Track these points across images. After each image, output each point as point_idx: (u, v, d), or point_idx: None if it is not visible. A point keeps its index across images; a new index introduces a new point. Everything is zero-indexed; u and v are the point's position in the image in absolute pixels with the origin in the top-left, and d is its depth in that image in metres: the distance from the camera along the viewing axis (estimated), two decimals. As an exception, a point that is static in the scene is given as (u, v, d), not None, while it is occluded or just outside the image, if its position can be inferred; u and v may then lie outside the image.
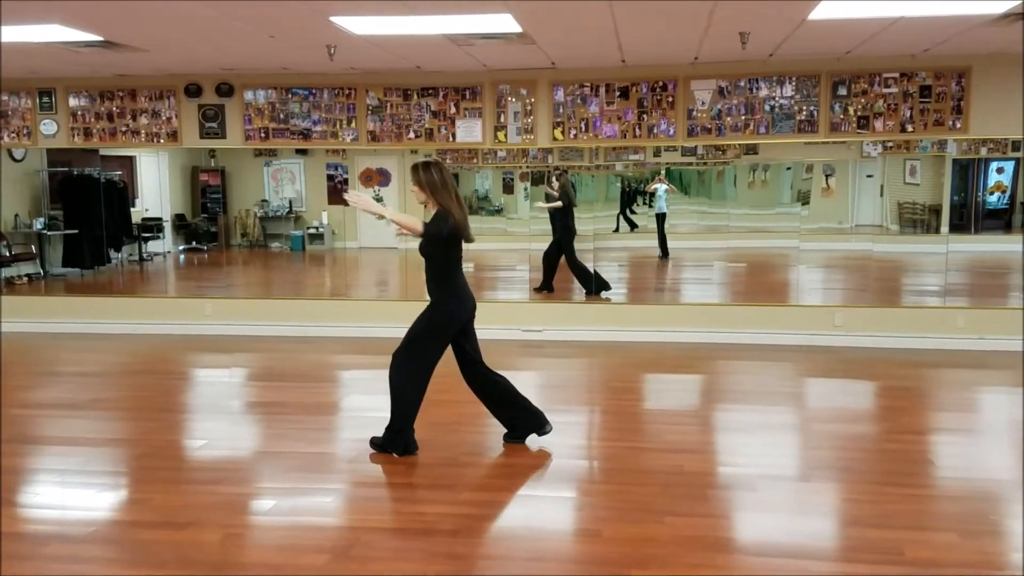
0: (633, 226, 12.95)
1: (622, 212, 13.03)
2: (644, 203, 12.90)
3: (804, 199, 11.46)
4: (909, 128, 7.03)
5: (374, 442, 4.64)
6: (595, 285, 8.81)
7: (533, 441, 4.74)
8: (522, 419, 4.73)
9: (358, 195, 4.36)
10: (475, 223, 13.18)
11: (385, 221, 4.34)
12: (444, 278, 4.47)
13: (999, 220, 11.73)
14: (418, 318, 4.54)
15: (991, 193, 12.11)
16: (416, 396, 4.53)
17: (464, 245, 4.49)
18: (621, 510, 3.89)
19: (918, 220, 11.58)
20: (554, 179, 9.17)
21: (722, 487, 4.20)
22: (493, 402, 4.73)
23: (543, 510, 3.99)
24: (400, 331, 4.60)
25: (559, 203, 9.11)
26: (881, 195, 11.50)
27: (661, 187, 11.66)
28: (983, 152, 10.16)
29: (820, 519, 3.84)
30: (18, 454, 4.72)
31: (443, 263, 4.45)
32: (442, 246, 4.39)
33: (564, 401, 5.94)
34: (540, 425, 4.73)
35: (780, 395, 6.08)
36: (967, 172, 11.89)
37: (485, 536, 3.70)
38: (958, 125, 6.96)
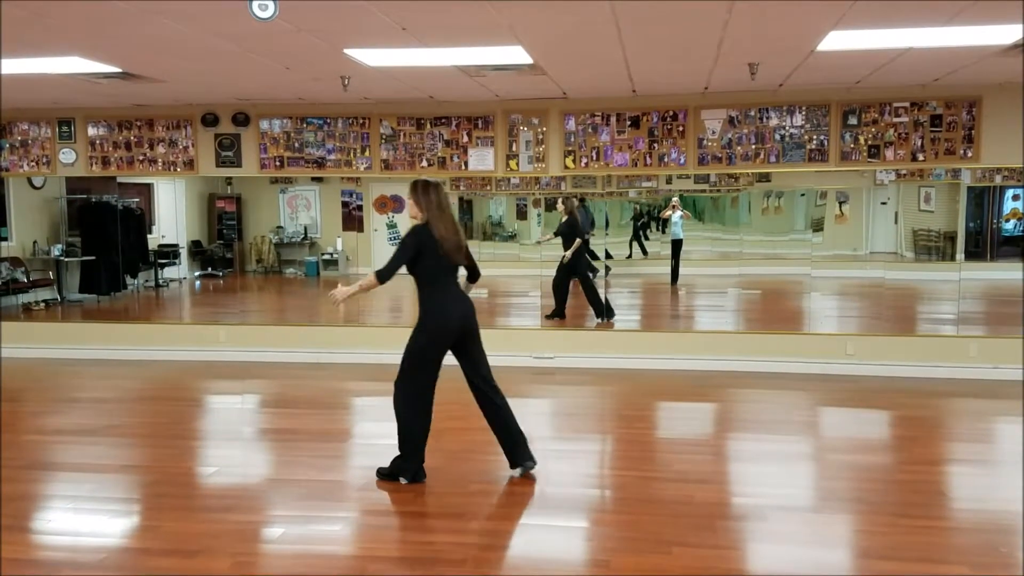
0: (645, 252, 12.97)
1: (635, 238, 13.06)
2: (658, 229, 12.93)
3: (818, 226, 11.44)
4: (920, 157, 7.03)
5: (380, 472, 4.64)
6: (604, 311, 8.91)
7: (540, 470, 4.69)
8: (507, 447, 4.66)
9: (336, 296, 4.45)
10: (488, 249, 13.21)
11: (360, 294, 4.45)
12: (423, 295, 4.47)
13: (1015, 247, 11.68)
14: (407, 341, 4.56)
15: (1007, 220, 12.07)
16: (417, 421, 4.50)
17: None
18: (630, 540, 3.88)
19: (933, 247, 11.55)
20: (559, 204, 9.23)
21: (732, 517, 4.18)
22: (492, 425, 4.67)
23: (551, 540, 3.98)
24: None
25: (557, 237, 9.24)
26: (896, 222, 11.48)
27: (676, 214, 11.66)
28: (998, 180, 10.16)
29: (831, 551, 3.82)
30: (32, 480, 4.77)
31: (421, 279, 4.45)
32: (411, 259, 4.37)
33: (574, 429, 5.94)
34: (513, 462, 4.65)
35: (791, 424, 6.05)
36: (982, 199, 11.88)
37: (492, 566, 3.69)
38: (969, 154, 6.96)
